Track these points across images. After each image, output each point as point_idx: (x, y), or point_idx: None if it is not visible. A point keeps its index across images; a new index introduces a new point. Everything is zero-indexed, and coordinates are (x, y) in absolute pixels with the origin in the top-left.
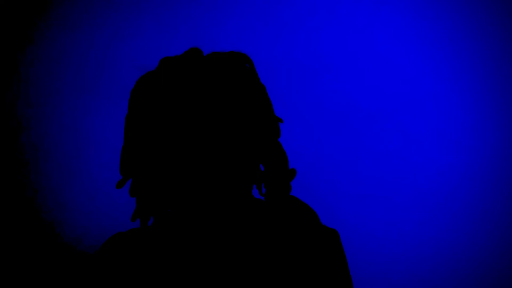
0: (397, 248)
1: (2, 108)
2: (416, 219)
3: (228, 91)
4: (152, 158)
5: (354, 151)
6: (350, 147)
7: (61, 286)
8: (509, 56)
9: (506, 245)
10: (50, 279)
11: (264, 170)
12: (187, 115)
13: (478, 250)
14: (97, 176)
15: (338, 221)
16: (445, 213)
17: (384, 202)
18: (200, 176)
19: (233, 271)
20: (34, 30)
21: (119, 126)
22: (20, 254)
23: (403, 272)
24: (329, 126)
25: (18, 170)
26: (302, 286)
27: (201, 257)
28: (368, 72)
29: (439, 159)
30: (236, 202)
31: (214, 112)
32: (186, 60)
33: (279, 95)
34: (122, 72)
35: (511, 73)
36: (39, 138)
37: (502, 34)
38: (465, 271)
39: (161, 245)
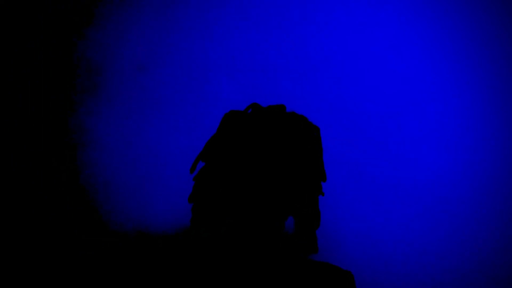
0: (395, 248)
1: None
2: (415, 219)
3: (293, 151)
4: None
5: (353, 151)
6: (350, 147)
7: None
8: (509, 56)
9: (505, 245)
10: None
11: (295, 221)
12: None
13: (478, 251)
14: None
15: (338, 222)
16: (444, 214)
17: (383, 202)
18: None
19: None
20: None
21: (119, 127)
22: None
23: (401, 272)
24: (328, 127)
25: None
26: None
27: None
28: (368, 73)
29: (439, 159)
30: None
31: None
32: (270, 116)
33: (279, 96)
34: (123, 72)
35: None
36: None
37: (503, 34)
38: (463, 271)
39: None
